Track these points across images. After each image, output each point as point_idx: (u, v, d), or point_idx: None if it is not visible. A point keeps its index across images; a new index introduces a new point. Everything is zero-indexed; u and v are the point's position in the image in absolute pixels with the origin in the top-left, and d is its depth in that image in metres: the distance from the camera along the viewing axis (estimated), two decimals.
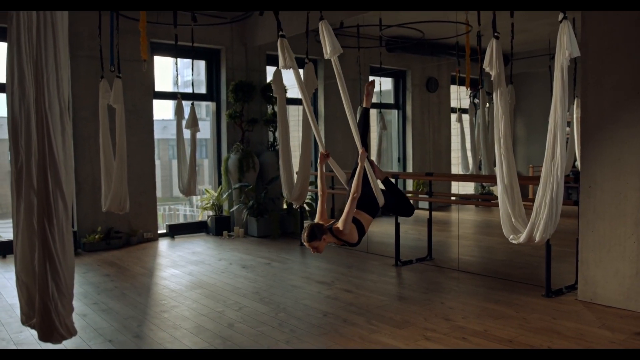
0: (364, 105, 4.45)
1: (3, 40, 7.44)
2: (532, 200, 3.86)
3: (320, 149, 4.21)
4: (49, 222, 2.32)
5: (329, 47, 3.87)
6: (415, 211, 12.45)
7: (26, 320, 2.54)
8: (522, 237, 3.87)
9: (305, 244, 3.81)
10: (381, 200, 4.08)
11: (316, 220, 4.04)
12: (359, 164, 3.88)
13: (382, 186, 4.24)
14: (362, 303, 5.24)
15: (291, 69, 4.17)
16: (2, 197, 10.41)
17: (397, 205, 4.39)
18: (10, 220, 2.54)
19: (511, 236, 3.96)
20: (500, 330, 4.41)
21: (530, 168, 12.26)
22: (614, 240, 4.90)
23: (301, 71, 5.57)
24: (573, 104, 8.35)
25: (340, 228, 3.77)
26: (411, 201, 4.50)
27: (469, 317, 4.76)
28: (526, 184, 8.32)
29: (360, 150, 3.91)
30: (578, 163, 5.89)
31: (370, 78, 10.58)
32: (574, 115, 8.29)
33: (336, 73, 3.91)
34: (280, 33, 4.05)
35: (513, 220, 3.94)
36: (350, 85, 10.62)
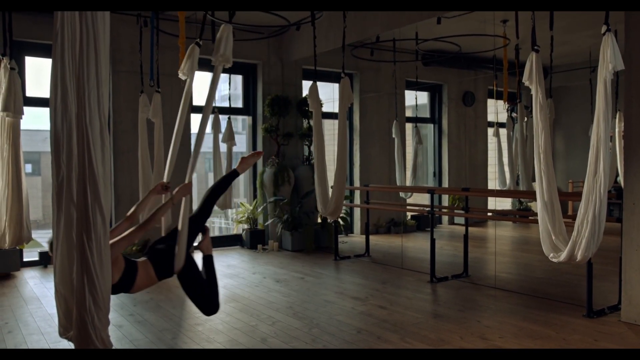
0: (237, 169, 3.92)
1: (46, 55, 7.69)
2: (572, 217, 3.76)
3: (165, 179, 3.59)
4: (88, 236, 2.36)
5: (222, 50, 3.51)
6: (451, 227, 12.25)
7: (64, 332, 2.58)
8: (563, 256, 3.77)
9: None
10: (179, 264, 3.31)
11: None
12: (174, 196, 3.30)
13: (199, 261, 3.60)
14: (397, 320, 5.17)
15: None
16: (45, 208, 10.71)
17: (200, 291, 3.54)
18: (52, 231, 2.59)
19: (551, 254, 3.87)
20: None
21: (570, 183, 11.98)
22: None
23: (337, 85, 5.60)
24: (615, 117, 8.14)
25: None
26: (218, 302, 3.63)
27: (506, 336, 4.64)
28: (566, 200, 8.14)
29: (186, 181, 3.38)
30: (620, 179, 5.72)
31: (407, 103, 10.53)
32: (616, 130, 8.08)
33: (210, 87, 3.51)
34: (197, 41, 3.66)
35: (553, 237, 3.85)
36: (386, 98, 10.62)
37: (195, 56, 3.64)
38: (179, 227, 3.28)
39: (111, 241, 2.80)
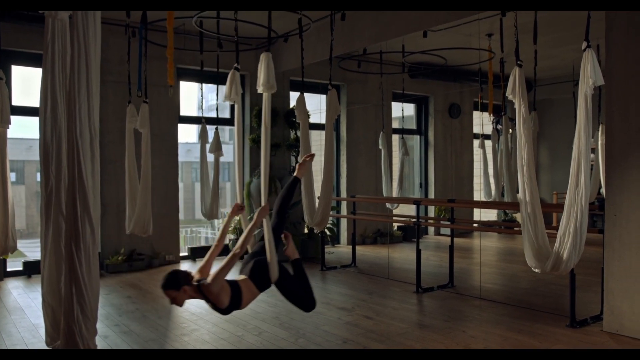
0: (296, 175, 4.16)
1: (33, 65, 7.67)
2: (557, 228, 3.82)
3: (237, 200, 3.90)
4: (76, 247, 2.37)
5: (263, 79, 3.75)
6: (437, 237, 12.32)
7: (51, 342, 2.58)
8: (546, 266, 3.83)
9: (161, 290, 3.30)
10: (274, 275, 3.59)
11: (195, 270, 3.56)
12: (255, 219, 3.53)
13: (290, 269, 3.86)
14: (383, 330, 5.19)
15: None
16: (29, 217, 10.60)
17: (297, 293, 3.81)
18: (37, 240, 2.60)
19: (534, 265, 3.92)
20: None
21: (554, 195, 12.12)
22: None
23: (325, 96, 5.66)
24: (598, 130, 8.28)
25: (208, 282, 3.26)
26: (314, 299, 3.90)
27: (491, 346, 4.68)
28: (550, 211, 8.23)
29: (263, 204, 3.59)
30: (603, 190, 5.81)
31: (393, 115, 10.62)
32: (599, 142, 8.21)
33: (263, 112, 3.76)
34: (236, 65, 3.96)
35: (536, 248, 3.91)
36: (373, 110, 10.70)
37: (237, 80, 3.89)
38: (266, 243, 3.55)
39: (213, 272, 3.27)
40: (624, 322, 4.91)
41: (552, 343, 4.73)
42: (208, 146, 7.06)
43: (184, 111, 9.15)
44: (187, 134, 15.48)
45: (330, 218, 9.10)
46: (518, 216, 4.13)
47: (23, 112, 7.64)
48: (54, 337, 2.55)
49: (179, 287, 3.24)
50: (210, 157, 7.08)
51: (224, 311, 3.40)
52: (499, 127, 9.31)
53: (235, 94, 3.85)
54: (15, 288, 6.97)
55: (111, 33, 7.66)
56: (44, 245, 2.47)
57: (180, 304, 3.28)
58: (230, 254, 3.33)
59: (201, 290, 3.29)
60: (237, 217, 3.96)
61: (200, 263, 3.59)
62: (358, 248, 8.89)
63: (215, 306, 3.39)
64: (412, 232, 10.19)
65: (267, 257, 3.53)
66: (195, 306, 6.14)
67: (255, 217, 3.54)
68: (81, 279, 2.38)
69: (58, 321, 2.50)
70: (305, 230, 9.33)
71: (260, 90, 3.74)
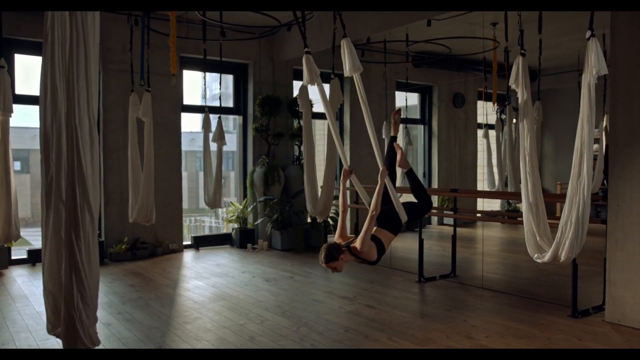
0: (392, 134, 4.50)
1: (36, 53, 7.67)
2: (559, 219, 3.81)
3: (344, 165, 4.16)
4: (76, 234, 2.38)
5: (348, 64, 3.84)
6: (440, 227, 12.33)
7: (52, 329, 2.60)
8: (547, 256, 3.81)
9: (323, 264, 3.76)
10: (404, 217, 4.02)
11: (336, 237, 4.01)
12: (379, 182, 3.86)
13: (404, 201, 4.20)
14: (384, 319, 5.21)
15: (316, 85, 4.15)
16: (34, 205, 10.65)
17: (418, 206, 4.32)
18: (41, 229, 2.61)
19: (536, 255, 3.91)
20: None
21: (558, 185, 12.09)
22: None
23: (327, 86, 5.63)
24: (602, 120, 8.23)
25: (358, 247, 3.72)
26: (431, 200, 4.49)
27: (492, 335, 4.69)
28: (553, 201, 8.20)
29: (381, 168, 3.89)
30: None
31: (397, 104, 10.60)
32: (603, 133, 8.16)
33: (358, 90, 3.90)
34: (306, 49, 4.07)
35: (538, 238, 3.89)
36: (376, 99, 10.66)
37: (312, 63, 4.02)
38: (391, 195, 3.94)
39: (360, 236, 3.69)
40: (625, 312, 4.91)
41: (554, 333, 4.74)
42: (211, 135, 7.05)
43: (188, 100, 9.15)
44: (191, 123, 15.45)
45: (333, 207, 9.11)
46: (521, 206, 4.11)
47: (27, 100, 7.65)
48: (55, 325, 2.57)
49: (338, 257, 3.72)
50: (214, 146, 7.07)
51: (375, 262, 3.88)
52: (503, 117, 9.28)
53: (316, 75, 4.02)
54: (20, 276, 7.02)
55: (114, 22, 7.64)
56: (44, 234, 2.48)
57: (340, 270, 3.77)
58: (368, 217, 3.71)
59: (354, 253, 3.75)
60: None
61: (337, 232, 4.04)
62: None
63: (366, 261, 3.83)
64: (415, 222, 10.18)
65: (395, 205, 3.96)
66: (197, 294, 6.18)
67: (379, 180, 3.86)
68: (81, 267, 2.40)
69: (59, 309, 2.51)
70: (309, 220, 9.34)
71: (347, 73, 3.84)
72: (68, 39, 2.35)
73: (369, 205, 3.88)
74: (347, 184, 4.29)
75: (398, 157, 4.41)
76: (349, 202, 8.94)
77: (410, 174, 4.39)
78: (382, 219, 3.93)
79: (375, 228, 3.90)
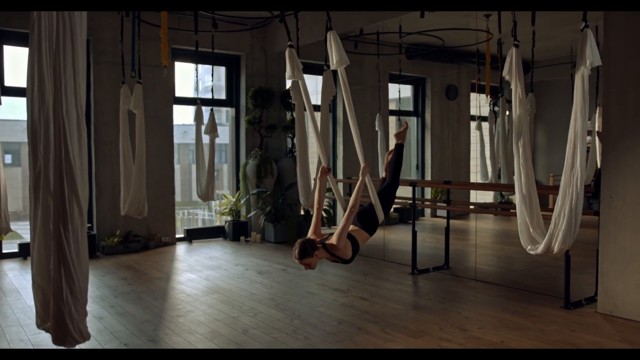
0: (397, 142, 4.43)
1: (26, 45, 7.58)
2: (552, 210, 3.81)
3: (323, 163, 4.09)
4: (65, 227, 2.35)
5: (335, 57, 3.81)
6: (434, 219, 12.32)
7: (41, 323, 2.57)
8: (540, 248, 3.82)
9: (296, 261, 3.65)
10: (381, 216, 3.93)
11: (309, 234, 3.89)
12: (360, 178, 3.79)
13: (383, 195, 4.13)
14: (378, 311, 5.21)
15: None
16: (25, 199, 10.57)
17: (385, 189, 4.20)
18: (29, 222, 2.57)
19: (529, 247, 3.92)
20: (516, 341, 4.35)
21: (551, 177, 12.12)
22: (636, 253, 4.80)
23: (320, 78, 5.60)
24: (595, 112, 8.24)
25: (334, 243, 3.63)
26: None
27: (485, 327, 4.70)
28: (546, 193, 8.21)
29: (362, 165, 3.84)
30: None
31: (390, 96, 10.55)
32: (596, 124, 8.18)
33: (342, 84, 3.86)
34: (289, 43, 4.02)
35: (531, 230, 3.90)
36: (369, 91, 10.62)
37: (295, 58, 3.99)
38: (371, 196, 3.86)
39: (336, 232, 3.61)
40: (617, 303, 4.93)
41: (546, 324, 4.75)
42: (203, 127, 7.00)
43: (180, 92, 9.08)
44: (183, 115, 15.38)
45: (327, 200, 9.10)
46: (514, 198, 4.11)
47: (16, 92, 7.56)
48: (44, 319, 2.54)
49: (312, 253, 3.63)
50: (206, 139, 7.03)
51: (348, 261, 3.80)
52: (496, 108, 9.27)
53: (298, 70, 3.97)
54: (11, 270, 6.97)
55: (104, 13, 7.56)
56: (33, 227, 2.45)
57: (314, 267, 3.69)
58: (346, 213, 3.63)
59: (328, 250, 3.67)
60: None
61: (311, 228, 3.93)
62: None
63: (340, 259, 3.75)
64: (408, 214, 10.18)
65: (373, 203, 3.87)
66: (190, 287, 6.15)
67: (360, 177, 3.83)
68: (70, 261, 2.36)
69: (48, 302, 2.48)
70: (302, 212, 9.33)
71: (334, 67, 3.82)
72: (55, 28, 2.30)
73: (344, 207, 3.81)
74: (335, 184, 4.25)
75: (401, 129, 4.40)
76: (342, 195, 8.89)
77: (398, 148, 4.35)
78: (359, 217, 3.88)
79: (354, 228, 3.85)
